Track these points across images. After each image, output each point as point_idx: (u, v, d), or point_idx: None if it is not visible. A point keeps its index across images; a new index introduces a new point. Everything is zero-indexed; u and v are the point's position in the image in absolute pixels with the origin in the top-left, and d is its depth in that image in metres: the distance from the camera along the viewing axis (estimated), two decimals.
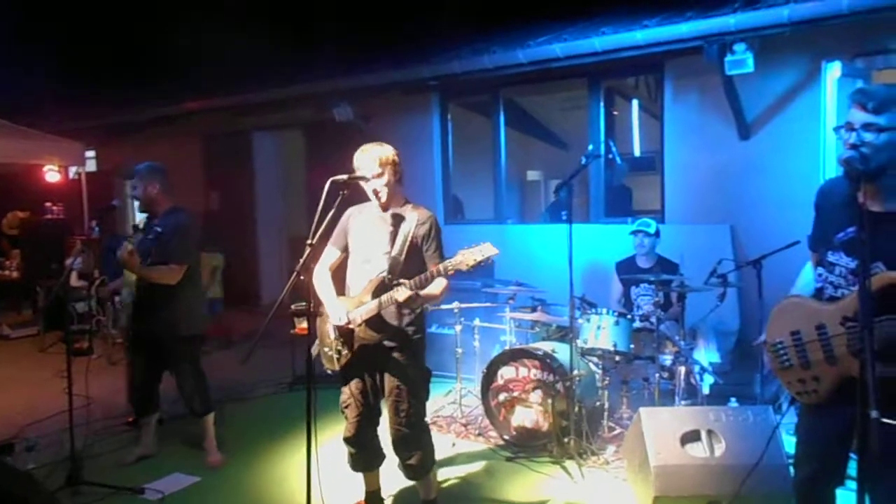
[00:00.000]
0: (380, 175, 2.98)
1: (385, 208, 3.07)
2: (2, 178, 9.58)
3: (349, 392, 3.11)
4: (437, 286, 2.94)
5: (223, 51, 8.14)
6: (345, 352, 3.03)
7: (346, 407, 3.14)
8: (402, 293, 2.80)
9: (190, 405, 4.08)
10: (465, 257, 2.70)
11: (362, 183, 2.98)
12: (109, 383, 5.75)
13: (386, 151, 3.03)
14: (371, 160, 2.98)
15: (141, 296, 3.97)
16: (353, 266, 3.13)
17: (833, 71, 4.87)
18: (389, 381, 3.05)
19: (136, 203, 4.08)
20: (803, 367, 2.33)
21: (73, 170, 8.34)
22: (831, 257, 2.33)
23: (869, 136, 2.10)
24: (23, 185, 9.62)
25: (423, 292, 2.88)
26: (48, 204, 9.78)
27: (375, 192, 3.01)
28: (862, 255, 1.82)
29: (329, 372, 3.14)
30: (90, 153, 9.70)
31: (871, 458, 1.63)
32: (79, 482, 3.68)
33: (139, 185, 3.95)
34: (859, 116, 2.13)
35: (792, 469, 2.69)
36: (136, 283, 3.98)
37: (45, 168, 7.87)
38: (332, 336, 3.06)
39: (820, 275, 2.39)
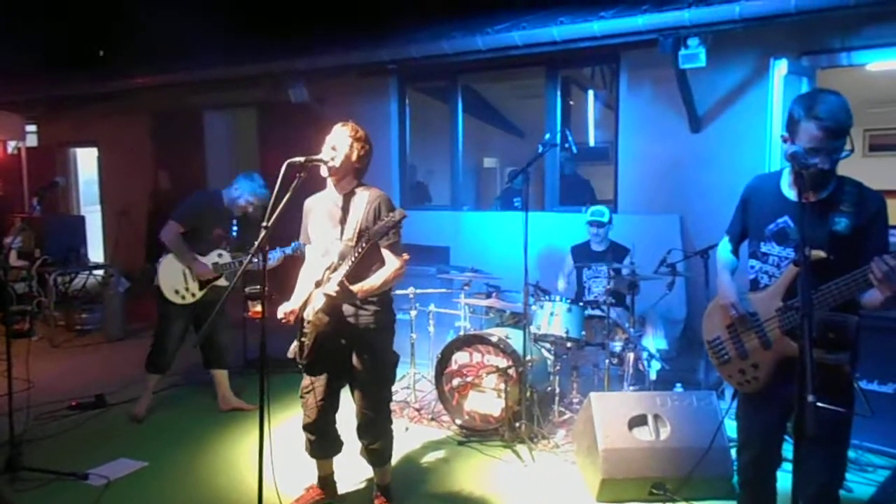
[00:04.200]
0: (346, 146, 2.96)
1: (336, 180, 3.00)
2: None
3: (311, 378, 3.07)
4: (379, 277, 2.91)
5: (176, 26, 7.86)
6: (307, 340, 2.98)
7: (307, 392, 3.08)
8: (330, 287, 2.78)
9: (223, 358, 4.66)
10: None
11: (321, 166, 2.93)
12: (52, 366, 5.59)
13: (362, 131, 3.03)
14: (345, 130, 2.99)
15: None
16: (314, 259, 3.10)
17: (780, 68, 5.03)
18: (355, 366, 3.02)
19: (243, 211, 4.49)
20: (741, 357, 2.43)
21: (11, 144, 7.99)
22: (764, 248, 2.42)
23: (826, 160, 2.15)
24: None
25: (361, 284, 2.86)
26: None
27: (332, 154, 2.93)
28: (802, 245, 1.89)
29: (298, 363, 3.07)
30: (31, 127, 9.29)
31: (806, 440, 1.71)
32: (19, 468, 3.57)
33: None
34: (820, 142, 2.13)
35: (734, 453, 2.80)
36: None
37: None
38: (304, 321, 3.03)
39: (752, 266, 2.48)
